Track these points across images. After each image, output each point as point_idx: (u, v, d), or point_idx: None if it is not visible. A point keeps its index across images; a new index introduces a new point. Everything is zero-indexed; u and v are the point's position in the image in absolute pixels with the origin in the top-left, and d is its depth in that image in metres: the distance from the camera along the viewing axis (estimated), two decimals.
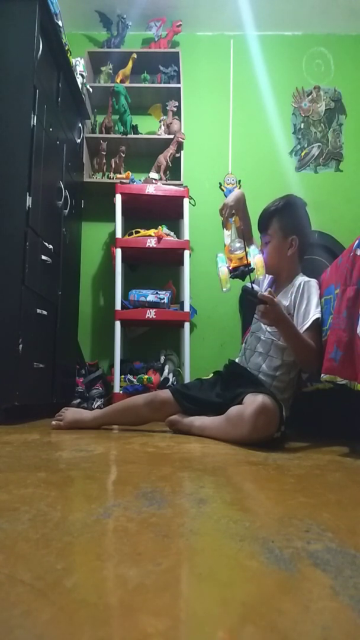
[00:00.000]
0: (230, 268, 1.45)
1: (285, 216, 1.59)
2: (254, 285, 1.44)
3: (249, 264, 1.41)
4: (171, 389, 1.58)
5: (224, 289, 1.51)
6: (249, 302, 1.31)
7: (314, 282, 1.54)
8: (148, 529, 0.52)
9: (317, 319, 1.43)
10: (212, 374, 1.68)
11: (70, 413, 1.58)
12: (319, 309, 1.45)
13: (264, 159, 3.15)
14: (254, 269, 1.41)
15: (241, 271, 1.41)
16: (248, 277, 1.42)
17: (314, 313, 1.44)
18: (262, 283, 1.74)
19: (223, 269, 1.48)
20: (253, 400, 1.27)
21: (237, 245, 1.46)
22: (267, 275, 1.68)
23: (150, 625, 0.32)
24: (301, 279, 1.55)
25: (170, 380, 2.53)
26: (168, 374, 2.57)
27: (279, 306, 1.36)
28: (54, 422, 1.55)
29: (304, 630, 0.32)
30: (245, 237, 1.61)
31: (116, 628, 0.32)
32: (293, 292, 1.52)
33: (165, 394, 1.55)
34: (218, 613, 0.35)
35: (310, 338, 1.42)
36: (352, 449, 1.24)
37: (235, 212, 1.57)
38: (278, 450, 1.20)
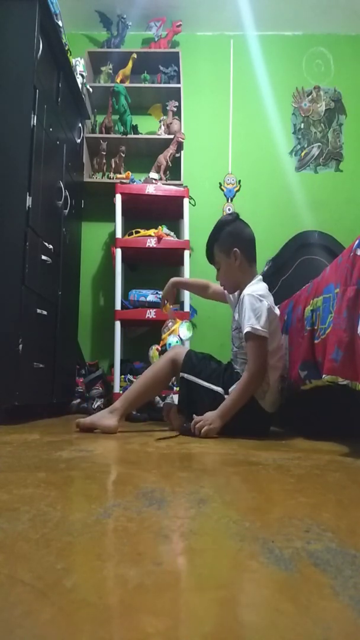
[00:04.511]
0: (160, 345, 1.82)
1: (219, 239, 1.67)
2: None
3: (165, 341, 1.84)
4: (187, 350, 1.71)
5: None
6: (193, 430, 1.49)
7: (253, 294, 1.54)
8: (148, 529, 0.52)
9: (248, 332, 1.48)
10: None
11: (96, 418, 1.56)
12: (252, 320, 1.49)
13: (264, 159, 3.15)
14: (170, 344, 1.81)
15: (166, 346, 1.82)
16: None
17: (246, 326, 1.49)
18: (230, 300, 1.77)
19: (153, 348, 1.95)
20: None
21: (170, 324, 1.87)
22: (229, 294, 1.76)
23: (150, 625, 0.32)
24: (244, 292, 1.57)
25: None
26: None
27: (204, 418, 1.47)
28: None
29: (304, 630, 0.32)
30: (202, 290, 1.96)
31: (116, 628, 0.32)
32: (239, 305, 1.59)
33: (181, 349, 1.71)
34: (218, 613, 0.35)
35: (248, 349, 1.50)
36: (352, 449, 1.24)
37: (167, 300, 1.89)
38: (278, 450, 1.20)
